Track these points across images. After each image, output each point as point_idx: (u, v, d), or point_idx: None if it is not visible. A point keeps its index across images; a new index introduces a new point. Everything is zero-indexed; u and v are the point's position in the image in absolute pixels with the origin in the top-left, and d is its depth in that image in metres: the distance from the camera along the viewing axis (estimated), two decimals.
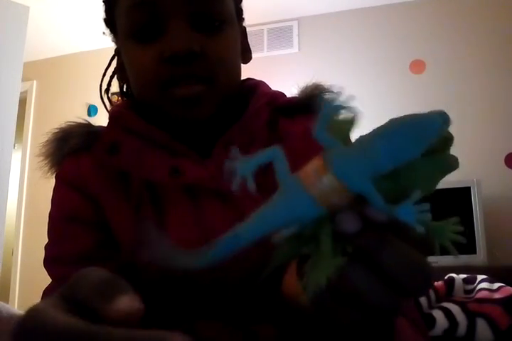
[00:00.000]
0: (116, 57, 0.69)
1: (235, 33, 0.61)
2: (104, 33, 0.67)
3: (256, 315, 0.60)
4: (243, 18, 0.66)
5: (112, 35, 0.66)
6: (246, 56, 0.66)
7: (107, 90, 0.71)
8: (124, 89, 0.70)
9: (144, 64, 0.57)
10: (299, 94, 0.68)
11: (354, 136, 0.71)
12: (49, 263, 0.62)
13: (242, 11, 0.66)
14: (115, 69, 0.69)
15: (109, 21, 0.64)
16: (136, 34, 0.57)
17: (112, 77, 0.70)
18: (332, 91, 0.67)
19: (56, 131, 0.64)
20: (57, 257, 0.61)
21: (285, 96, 0.68)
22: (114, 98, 0.72)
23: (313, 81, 0.68)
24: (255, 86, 0.66)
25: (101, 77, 0.71)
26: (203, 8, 0.56)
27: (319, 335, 0.58)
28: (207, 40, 0.56)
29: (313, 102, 0.66)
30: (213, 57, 0.56)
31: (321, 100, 0.30)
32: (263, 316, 0.60)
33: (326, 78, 0.69)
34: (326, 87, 0.67)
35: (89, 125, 0.65)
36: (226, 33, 0.58)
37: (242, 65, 0.65)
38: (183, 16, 0.56)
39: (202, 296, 0.60)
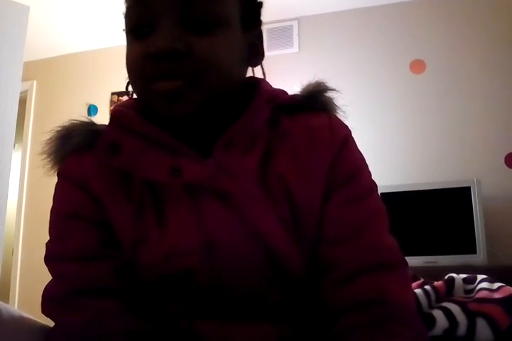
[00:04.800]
0: None
1: (230, 35, 0.60)
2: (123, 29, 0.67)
3: (255, 315, 0.60)
4: (260, 21, 0.66)
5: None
6: (254, 60, 0.65)
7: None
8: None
9: (133, 59, 0.58)
10: (300, 92, 0.67)
11: (355, 137, 0.71)
12: (50, 260, 0.62)
13: (256, 15, 0.65)
14: None
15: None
16: (133, 30, 0.59)
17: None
18: (333, 89, 0.67)
19: (59, 129, 0.64)
20: (58, 254, 0.62)
21: (287, 94, 0.67)
22: (114, 98, 0.72)
23: (316, 79, 0.68)
24: (256, 84, 0.66)
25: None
26: (194, 9, 0.57)
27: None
28: (196, 39, 0.56)
29: (314, 100, 0.66)
30: (201, 56, 0.56)
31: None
32: (262, 316, 0.60)
33: (326, 78, 0.69)
34: (327, 85, 0.67)
35: (92, 123, 0.65)
36: (219, 35, 0.58)
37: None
38: (174, 15, 0.56)
39: (201, 295, 0.60)
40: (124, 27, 0.65)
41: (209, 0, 0.57)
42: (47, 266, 0.62)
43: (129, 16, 0.60)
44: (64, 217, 0.63)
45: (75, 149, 0.63)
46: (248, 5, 0.63)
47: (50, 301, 0.61)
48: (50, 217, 0.64)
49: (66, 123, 0.65)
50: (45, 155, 0.64)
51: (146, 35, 0.58)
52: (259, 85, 0.65)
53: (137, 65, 0.58)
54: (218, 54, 0.58)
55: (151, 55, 0.56)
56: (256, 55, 0.65)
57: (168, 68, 0.56)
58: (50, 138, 0.64)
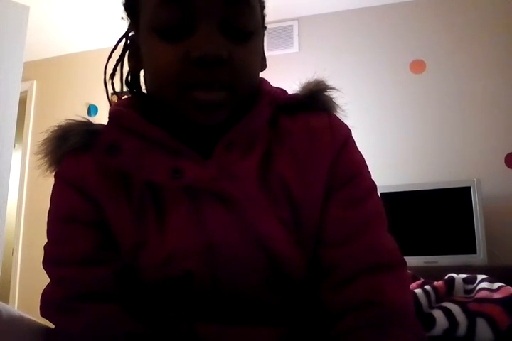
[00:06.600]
0: (127, 43, 0.66)
1: (259, 43, 0.60)
2: (122, 17, 0.65)
3: (255, 318, 0.60)
4: (265, 27, 0.66)
5: (129, 21, 0.64)
6: (263, 64, 0.65)
7: (112, 75, 0.69)
8: (129, 79, 0.68)
9: (167, 62, 0.55)
10: (300, 91, 0.67)
11: (355, 137, 0.70)
12: (48, 264, 0.62)
13: (264, 18, 0.65)
14: (121, 55, 0.67)
15: (130, 7, 0.62)
16: (162, 30, 0.55)
17: (118, 62, 0.68)
18: (333, 88, 0.67)
19: (55, 129, 0.63)
20: (56, 258, 0.61)
21: (286, 93, 0.67)
22: (114, 98, 0.71)
23: (315, 77, 0.67)
24: (258, 84, 0.66)
25: (105, 64, 0.69)
26: (235, 16, 0.55)
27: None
28: (235, 48, 0.55)
29: (314, 99, 0.66)
30: (239, 65, 0.55)
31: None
32: (262, 318, 0.60)
33: (326, 78, 0.68)
34: (327, 84, 0.67)
35: (88, 123, 0.64)
36: (253, 44, 0.58)
37: None
38: (216, 21, 0.55)
39: (201, 298, 0.60)
40: (128, 24, 0.63)
41: (248, 9, 0.57)
42: (45, 269, 0.61)
43: (158, 14, 0.55)
44: (61, 220, 0.62)
45: (71, 149, 0.62)
46: (262, 11, 0.63)
47: (49, 305, 0.60)
48: (48, 219, 0.63)
49: (62, 123, 0.63)
50: (41, 156, 0.63)
51: (179, 37, 0.54)
52: (260, 86, 0.64)
53: (173, 69, 0.54)
54: (251, 64, 0.58)
55: (194, 59, 0.53)
56: (262, 60, 0.65)
57: (211, 76, 0.54)
58: (46, 139, 0.63)
